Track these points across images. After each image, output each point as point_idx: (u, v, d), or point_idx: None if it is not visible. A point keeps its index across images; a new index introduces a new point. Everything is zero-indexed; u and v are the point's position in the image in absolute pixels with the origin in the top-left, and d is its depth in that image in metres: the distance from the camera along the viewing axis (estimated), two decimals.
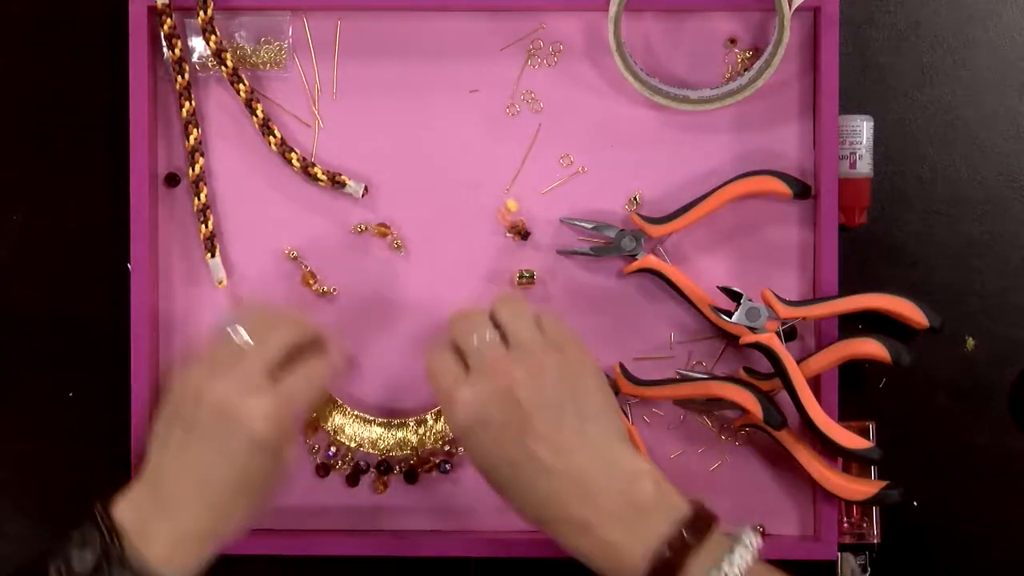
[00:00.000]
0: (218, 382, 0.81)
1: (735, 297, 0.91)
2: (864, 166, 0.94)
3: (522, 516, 0.81)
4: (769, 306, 0.91)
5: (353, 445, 0.95)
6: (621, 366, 0.93)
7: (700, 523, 0.77)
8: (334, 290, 0.95)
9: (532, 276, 0.95)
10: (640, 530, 0.76)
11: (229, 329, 0.84)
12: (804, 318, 0.91)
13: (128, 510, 0.80)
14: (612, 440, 0.80)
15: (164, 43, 0.94)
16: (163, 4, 0.93)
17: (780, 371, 0.90)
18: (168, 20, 0.93)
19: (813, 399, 0.89)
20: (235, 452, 0.80)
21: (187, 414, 0.81)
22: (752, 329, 0.91)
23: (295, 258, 0.95)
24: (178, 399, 0.82)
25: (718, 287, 0.92)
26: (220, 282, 0.94)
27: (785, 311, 0.90)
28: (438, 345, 0.84)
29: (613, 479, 0.78)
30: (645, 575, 0.76)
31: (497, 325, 0.82)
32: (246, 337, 0.83)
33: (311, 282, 0.95)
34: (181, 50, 0.94)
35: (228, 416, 0.80)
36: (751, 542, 0.77)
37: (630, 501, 0.77)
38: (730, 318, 0.91)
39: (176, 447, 0.81)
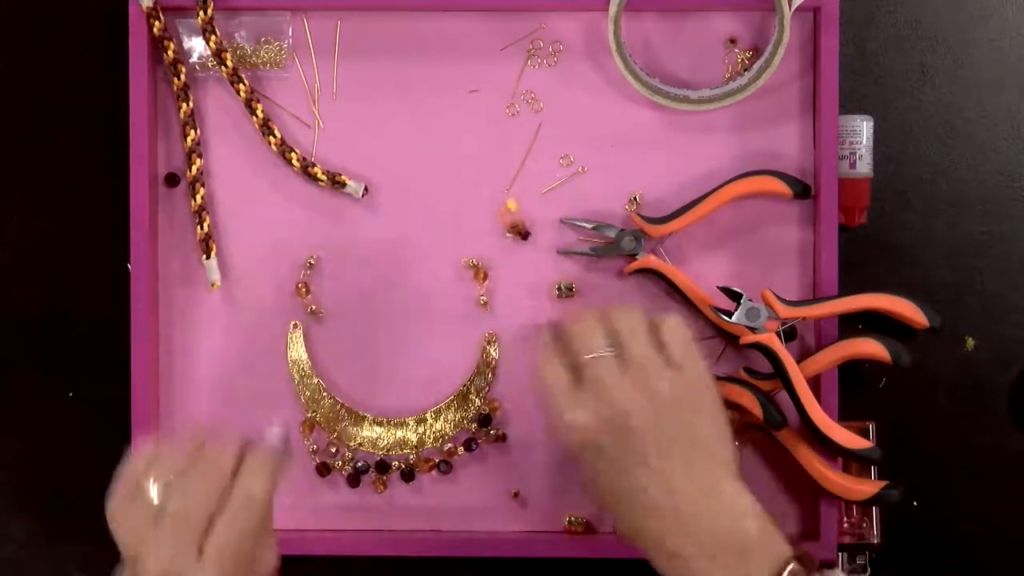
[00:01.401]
0: (152, 558, 0.74)
1: (735, 297, 0.91)
2: (864, 166, 0.94)
3: (621, 530, 0.80)
4: (769, 306, 0.91)
5: (353, 445, 0.95)
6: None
7: (803, 570, 0.75)
8: (321, 312, 0.95)
9: (572, 288, 0.94)
10: (740, 571, 0.75)
11: (145, 484, 0.76)
12: (804, 318, 0.91)
13: None
14: (720, 474, 0.78)
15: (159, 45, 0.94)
16: (148, 7, 0.92)
17: (780, 371, 0.89)
18: (157, 23, 0.93)
19: (813, 399, 0.89)
20: None
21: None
22: (752, 329, 0.91)
23: (310, 266, 0.95)
24: (123, 552, 0.76)
25: (718, 287, 0.92)
26: (214, 284, 0.94)
27: (785, 311, 0.90)
28: (550, 350, 0.82)
29: (718, 517, 0.76)
30: None
31: (613, 333, 0.80)
32: (154, 498, 0.75)
33: (304, 294, 0.95)
34: (175, 52, 0.94)
35: None
36: None
37: (733, 541, 0.76)
38: (730, 318, 0.91)
39: None
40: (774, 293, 0.91)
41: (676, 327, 0.81)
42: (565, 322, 0.83)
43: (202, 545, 0.74)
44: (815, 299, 0.92)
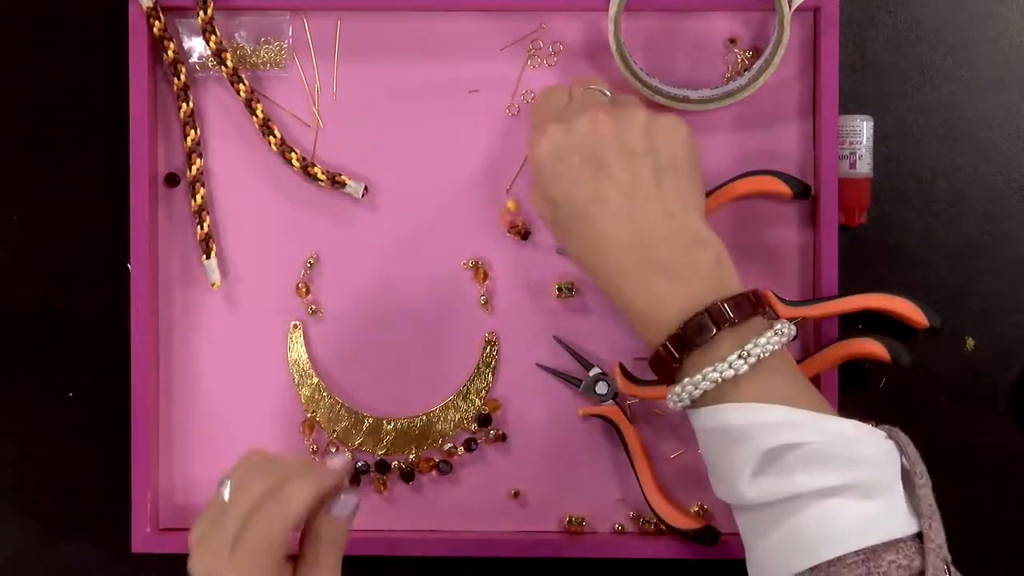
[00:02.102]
0: (197, 560, 0.77)
1: None
2: (864, 166, 0.94)
3: (573, 256, 0.82)
4: (769, 306, 0.91)
5: (353, 445, 0.95)
6: (621, 366, 0.93)
7: (747, 304, 0.77)
8: (321, 312, 0.95)
9: (572, 288, 0.94)
10: (688, 290, 0.77)
11: (220, 486, 0.78)
12: (804, 318, 0.91)
13: None
14: (688, 203, 0.80)
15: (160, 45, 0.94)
16: (148, 7, 0.92)
17: None
18: (157, 23, 0.93)
19: None
20: None
21: None
22: None
23: (310, 266, 0.95)
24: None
25: None
26: (214, 284, 0.94)
27: (785, 311, 0.90)
28: (559, 86, 0.87)
29: (675, 236, 0.78)
30: (675, 331, 0.76)
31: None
32: (226, 496, 0.77)
33: (304, 294, 0.95)
34: (176, 52, 0.94)
35: None
36: (786, 331, 0.77)
37: (687, 261, 0.78)
38: None
39: None
40: (774, 293, 0.91)
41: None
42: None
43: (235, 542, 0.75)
44: (815, 299, 0.92)
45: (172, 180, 0.96)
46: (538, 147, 0.81)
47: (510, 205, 0.95)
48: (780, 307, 0.90)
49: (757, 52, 0.95)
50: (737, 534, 0.93)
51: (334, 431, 0.95)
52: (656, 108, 0.93)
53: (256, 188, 0.96)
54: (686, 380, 0.77)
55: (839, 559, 0.72)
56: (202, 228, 0.94)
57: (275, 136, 0.94)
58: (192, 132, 0.94)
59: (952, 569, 0.73)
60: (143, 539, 0.93)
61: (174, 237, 0.96)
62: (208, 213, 0.95)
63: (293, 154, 0.94)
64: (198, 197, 0.94)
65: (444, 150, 0.95)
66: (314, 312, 0.96)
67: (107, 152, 0.96)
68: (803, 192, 0.93)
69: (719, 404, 0.76)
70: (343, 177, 0.94)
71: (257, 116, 0.94)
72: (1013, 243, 0.96)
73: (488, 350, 0.95)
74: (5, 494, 0.98)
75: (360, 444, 0.95)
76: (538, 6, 0.95)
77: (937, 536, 0.73)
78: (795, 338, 0.79)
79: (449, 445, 0.95)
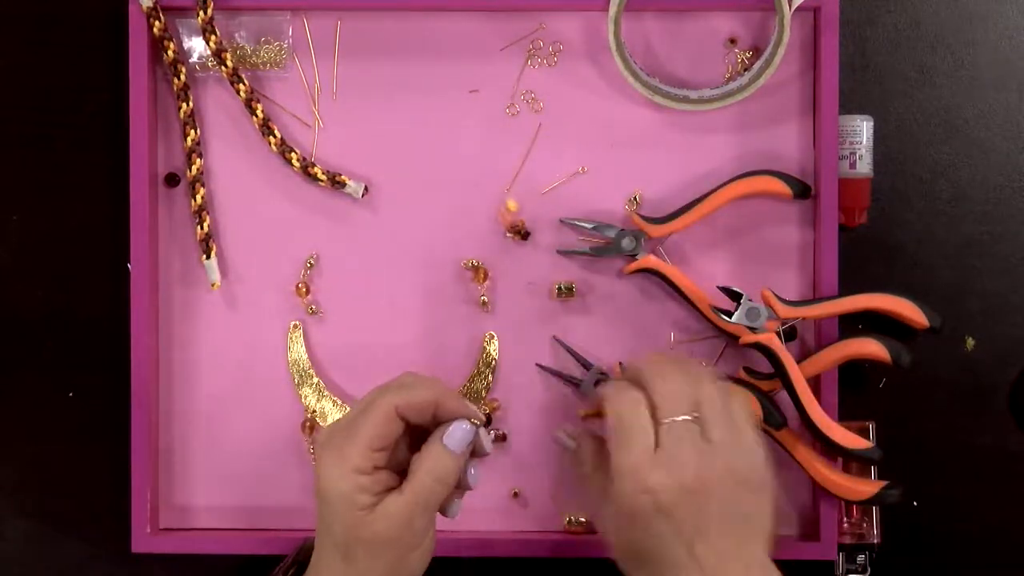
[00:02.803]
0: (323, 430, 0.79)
1: (735, 297, 0.91)
2: (864, 166, 0.94)
3: None
4: (769, 306, 0.91)
5: None
6: (621, 366, 0.93)
7: None
8: (321, 312, 0.95)
9: (572, 288, 0.94)
10: None
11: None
12: (804, 318, 0.91)
13: None
14: (761, 551, 0.78)
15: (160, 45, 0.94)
16: (148, 7, 0.92)
17: (780, 371, 0.90)
18: (157, 23, 0.93)
19: (813, 399, 0.89)
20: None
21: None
22: (752, 329, 0.91)
23: (310, 266, 0.95)
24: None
25: (718, 287, 0.92)
26: (214, 284, 0.94)
27: (785, 311, 0.90)
28: (633, 399, 0.78)
29: None
30: None
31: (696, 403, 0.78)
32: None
33: (304, 294, 0.95)
34: (176, 52, 0.94)
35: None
36: None
37: None
38: (730, 318, 0.91)
39: None
40: (774, 293, 0.91)
41: (745, 402, 0.82)
42: (645, 370, 0.80)
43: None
44: (815, 299, 0.92)
45: (172, 180, 0.96)
46: (636, 496, 0.76)
47: (510, 205, 0.95)
48: (780, 307, 0.90)
49: (757, 52, 0.95)
50: None
51: None
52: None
53: (256, 188, 0.96)
54: None
55: None
56: (202, 228, 0.94)
57: (275, 136, 0.94)
58: (192, 132, 0.94)
59: None
60: (143, 539, 0.93)
61: (174, 237, 0.96)
62: (208, 213, 0.95)
63: (293, 154, 0.94)
64: (198, 197, 0.94)
65: (444, 150, 0.95)
66: (314, 312, 0.96)
67: (107, 152, 0.96)
68: (803, 192, 0.93)
69: None
70: (343, 177, 0.94)
71: (257, 116, 0.94)
72: (1013, 243, 0.96)
73: (488, 350, 0.95)
74: (6, 494, 0.98)
75: None
76: (538, 6, 0.95)
77: None
78: None
79: None
